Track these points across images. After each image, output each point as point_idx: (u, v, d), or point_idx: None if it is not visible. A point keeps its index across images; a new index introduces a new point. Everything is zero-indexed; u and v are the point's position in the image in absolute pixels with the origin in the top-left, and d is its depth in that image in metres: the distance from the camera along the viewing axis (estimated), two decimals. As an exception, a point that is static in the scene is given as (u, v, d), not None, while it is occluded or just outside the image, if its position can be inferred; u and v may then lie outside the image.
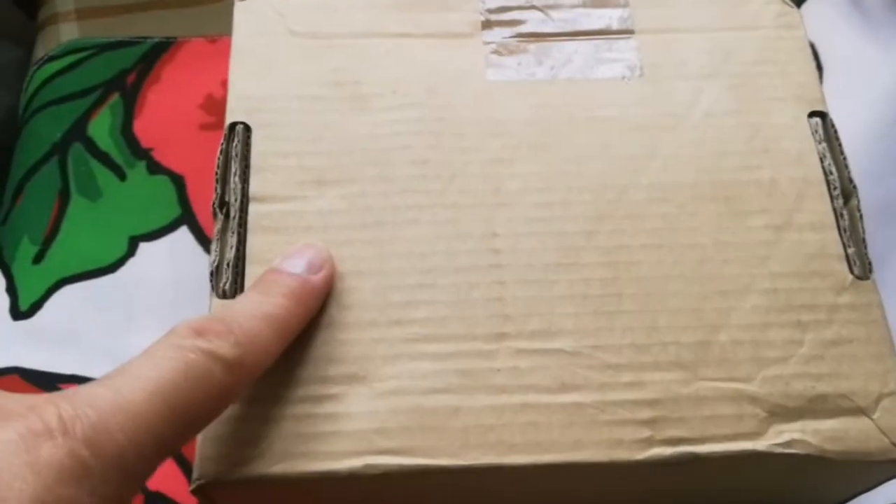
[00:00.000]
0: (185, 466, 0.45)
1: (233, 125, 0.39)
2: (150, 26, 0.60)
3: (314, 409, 0.33)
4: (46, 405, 0.24)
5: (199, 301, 0.36)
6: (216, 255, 0.36)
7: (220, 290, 0.35)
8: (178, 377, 0.27)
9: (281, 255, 0.35)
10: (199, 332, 0.29)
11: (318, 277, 0.34)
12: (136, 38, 0.59)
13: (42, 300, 0.50)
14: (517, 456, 0.33)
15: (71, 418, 0.24)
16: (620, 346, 0.35)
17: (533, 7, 0.43)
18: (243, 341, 0.29)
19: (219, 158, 0.37)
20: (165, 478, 0.45)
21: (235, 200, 0.37)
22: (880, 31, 0.58)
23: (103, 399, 0.25)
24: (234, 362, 0.29)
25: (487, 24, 0.42)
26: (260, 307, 0.32)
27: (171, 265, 0.51)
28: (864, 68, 0.57)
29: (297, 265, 0.34)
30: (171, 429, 0.26)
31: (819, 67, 0.55)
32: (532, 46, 0.42)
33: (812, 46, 0.42)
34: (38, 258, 0.52)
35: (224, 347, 0.29)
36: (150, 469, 0.26)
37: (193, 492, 0.32)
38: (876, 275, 0.36)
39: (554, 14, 0.43)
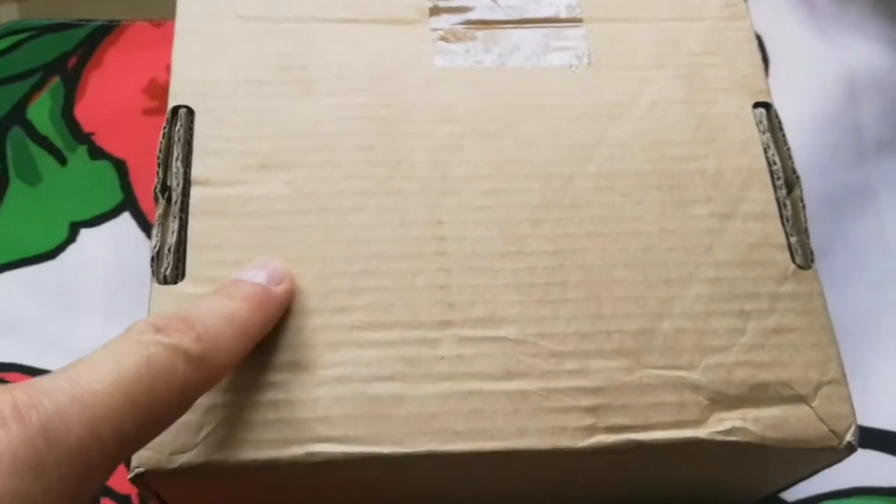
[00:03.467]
0: (125, 455, 0.45)
1: (176, 108, 0.38)
2: (93, 9, 0.59)
3: (256, 397, 0.33)
4: (0, 393, 0.23)
5: (142, 288, 0.36)
6: (157, 241, 0.35)
7: (161, 276, 0.35)
8: (140, 369, 0.26)
9: (241, 269, 0.35)
10: (160, 328, 0.28)
11: (279, 288, 0.34)
12: (78, 21, 0.58)
13: (-21, 287, 0.50)
14: (461, 443, 0.33)
15: (26, 407, 0.22)
16: (565, 333, 0.35)
17: (481, -6, 0.43)
18: (205, 338, 0.29)
19: (161, 142, 0.37)
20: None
21: (177, 185, 0.36)
22: (825, 24, 0.59)
23: (61, 390, 0.24)
24: (196, 357, 0.28)
25: (435, 11, 0.42)
26: (221, 307, 0.31)
27: (114, 251, 0.51)
28: (809, 61, 0.57)
29: (258, 276, 0.34)
30: (132, 422, 0.25)
31: (765, 59, 0.56)
32: (480, 34, 0.42)
33: (758, 38, 0.43)
34: (-26, 244, 0.51)
35: (186, 342, 0.28)
36: (111, 465, 0.25)
37: (132, 480, 0.32)
38: (818, 265, 0.37)
39: (502, 2, 0.42)
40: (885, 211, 0.53)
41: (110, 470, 0.25)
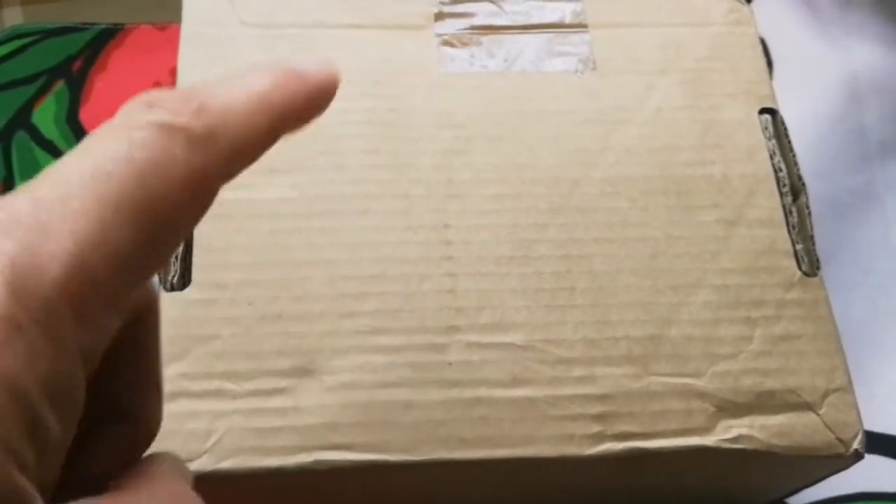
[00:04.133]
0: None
1: (181, 114, 0.38)
2: (97, 12, 0.59)
3: (264, 404, 0.33)
4: None
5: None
6: (163, 247, 0.35)
7: (168, 284, 0.34)
8: (120, 164, 0.19)
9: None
10: (151, 104, 0.20)
11: (313, 68, 0.24)
12: (82, 24, 0.58)
13: (-17, 291, 0.49)
14: (468, 451, 0.33)
15: None
16: (572, 340, 0.34)
17: (486, -1, 0.43)
18: (211, 107, 0.21)
19: (167, 148, 0.37)
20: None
21: (183, 191, 0.36)
22: (829, 28, 0.59)
23: (23, 215, 0.18)
24: (200, 134, 0.20)
25: (440, 16, 0.42)
26: (233, 76, 0.22)
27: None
28: (813, 64, 0.57)
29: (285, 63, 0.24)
30: (127, 239, 0.18)
31: (768, 62, 0.56)
32: (485, 39, 0.42)
33: (762, 42, 0.43)
34: (-21, 248, 0.50)
35: (184, 116, 0.20)
36: (113, 302, 0.19)
37: (139, 487, 0.32)
38: (823, 271, 0.37)
39: (507, 7, 0.42)
40: (890, 214, 0.53)
41: (115, 305, 0.19)
